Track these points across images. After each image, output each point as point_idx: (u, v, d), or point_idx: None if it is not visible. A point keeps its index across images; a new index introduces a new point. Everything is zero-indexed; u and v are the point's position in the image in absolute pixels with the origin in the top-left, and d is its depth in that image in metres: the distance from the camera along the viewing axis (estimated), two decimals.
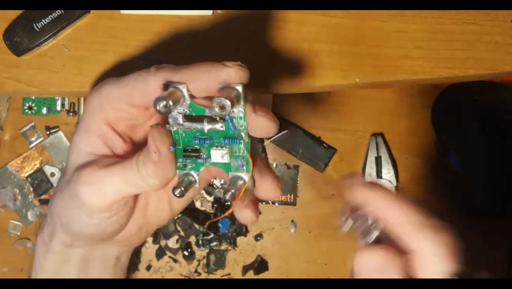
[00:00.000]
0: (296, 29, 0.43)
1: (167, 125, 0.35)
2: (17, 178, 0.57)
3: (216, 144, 0.34)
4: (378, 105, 0.59)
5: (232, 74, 0.33)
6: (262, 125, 0.34)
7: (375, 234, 0.32)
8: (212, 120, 0.34)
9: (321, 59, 0.43)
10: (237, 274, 0.58)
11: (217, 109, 0.31)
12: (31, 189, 0.57)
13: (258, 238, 0.58)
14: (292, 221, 0.58)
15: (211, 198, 0.58)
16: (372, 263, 0.32)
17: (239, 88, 0.33)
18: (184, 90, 0.33)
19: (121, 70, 0.42)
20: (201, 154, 0.35)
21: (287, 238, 0.59)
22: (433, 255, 0.30)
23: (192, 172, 0.36)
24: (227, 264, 0.58)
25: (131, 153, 0.38)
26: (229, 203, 0.36)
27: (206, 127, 0.34)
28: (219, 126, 0.34)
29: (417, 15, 0.43)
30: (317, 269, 0.59)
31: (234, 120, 0.33)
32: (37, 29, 0.41)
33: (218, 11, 0.43)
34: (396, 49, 0.43)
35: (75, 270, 0.40)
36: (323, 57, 0.43)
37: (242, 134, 0.34)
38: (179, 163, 0.35)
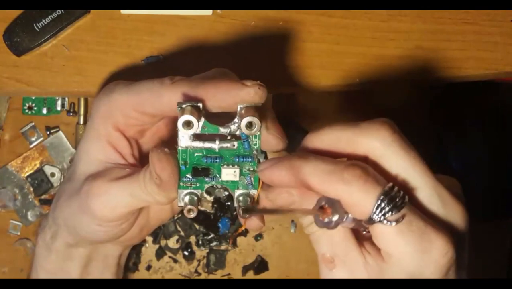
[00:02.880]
0: (296, 29, 0.43)
1: (176, 145, 0.34)
2: (17, 178, 0.57)
3: (226, 163, 0.34)
4: (378, 105, 0.59)
5: (252, 93, 0.32)
6: (271, 142, 0.34)
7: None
8: (224, 138, 0.34)
9: (321, 59, 0.43)
10: (237, 274, 0.58)
11: (244, 128, 0.32)
12: (31, 189, 0.57)
13: (258, 238, 0.58)
14: (292, 221, 0.58)
15: (211, 198, 0.58)
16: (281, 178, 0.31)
17: (259, 107, 0.33)
18: (201, 108, 0.33)
19: (123, 70, 0.42)
20: (211, 173, 0.34)
21: (287, 238, 0.59)
22: (355, 195, 0.29)
23: (195, 191, 0.35)
24: (227, 264, 0.58)
25: (139, 158, 0.39)
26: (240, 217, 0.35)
27: (218, 146, 0.34)
28: (231, 144, 0.34)
29: (417, 15, 0.43)
30: (317, 269, 0.58)
31: (249, 138, 0.33)
32: (37, 29, 0.41)
33: (218, 11, 0.43)
34: (396, 49, 0.43)
35: (77, 269, 0.41)
36: (323, 57, 0.43)
37: (255, 152, 0.34)
38: (182, 183, 0.34)
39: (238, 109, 0.33)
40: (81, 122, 0.57)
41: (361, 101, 0.59)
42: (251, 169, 0.34)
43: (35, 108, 0.57)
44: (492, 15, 0.43)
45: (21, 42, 0.41)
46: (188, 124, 0.32)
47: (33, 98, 0.57)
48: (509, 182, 0.55)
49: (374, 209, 0.29)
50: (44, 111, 0.57)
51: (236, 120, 0.33)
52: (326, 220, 0.30)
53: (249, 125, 0.32)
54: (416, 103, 0.59)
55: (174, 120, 0.37)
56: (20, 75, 0.42)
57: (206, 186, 0.35)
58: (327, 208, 0.30)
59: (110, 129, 0.37)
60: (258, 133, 0.33)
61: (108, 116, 0.37)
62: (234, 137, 0.34)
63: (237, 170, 0.34)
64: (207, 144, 0.34)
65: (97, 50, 0.42)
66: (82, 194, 0.36)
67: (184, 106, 0.32)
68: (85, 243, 0.40)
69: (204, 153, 0.34)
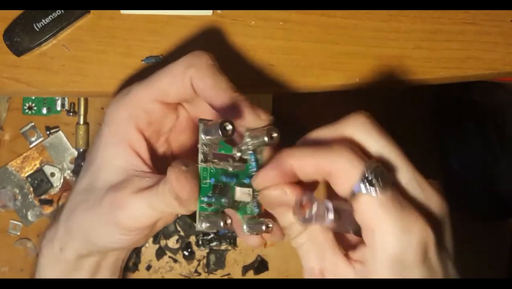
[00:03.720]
0: (296, 29, 0.43)
1: (199, 164, 0.34)
2: (17, 178, 0.57)
3: (240, 183, 0.35)
4: (378, 105, 0.59)
5: (267, 121, 0.34)
6: (262, 116, 0.35)
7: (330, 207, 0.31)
8: (235, 160, 0.35)
9: (321, 59, 0.43)
10: (237, 274, 0.58)
11: (266, 138, 0.33)
12: (31, 189, 0.57)
13: None
14: None
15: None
16: (275, 197, 0.32)
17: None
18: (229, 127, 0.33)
19: (123, 71, 0.42)
20: (226, 193, 0.34)
21: (287, 238, 0.59)
22: (342, 165, 0.30)
23: (214, 215, 0.34)
24: (227, 264, 0.58)
25: (154, 160, 0.38)
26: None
27: (233, 165, 0.34)
28: (240, 165, 0.34)
29: (417, 15, 0.43)
30: None
31: (258, 159, 0.35)
32: (37, 29, 0.41)
33: (218, 11, 0.43)
34: (396, 49, 0.43)
35: (85, 277, 0.40)
36: (323, 57, 0.43)
37: None
38: (203, 204, 0.34)
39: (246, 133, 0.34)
40: (81, 122, 0.57)
41: (361, 101, 0.59)
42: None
43: (35, 108, 0.57)
44: (492, 15, 0.43)
45: (21, 42, 0.41)
46: (225, 129, 0.32)
47: (33, 98, 0.57)
48: (509, 182, 0.55)
49: (361, 180, 0.30)
50: (44, 111, 0.57)
51: (247, 140, 0.34)
52: (307, 215, 0.31)
53: (271, 136, 0.33)
54: (416, 103, 0.59)
55: (193, 130, 0.38)
56: (20, 75, 0.42)
57: (222, 209, 0.35)
58: (306, 202, 0.31)
59: (133, 131, 0.37)
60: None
61: (129, 118, 0.37)
62: (242, 159, 0.35)
63: (251, 190, 0.35)
64: (223, 164, 0.34)
65: (97, 50, 0.42)
66: (104, 206, 0.36)
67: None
68: (98, 252, 0.40)
69: (221, 172, 0.34)
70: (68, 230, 0.39)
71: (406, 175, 0.31)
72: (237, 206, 0.35)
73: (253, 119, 0.34)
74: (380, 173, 0.30)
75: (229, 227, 0.34)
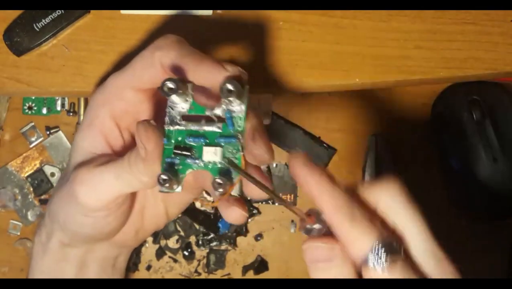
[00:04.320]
0: (296, 29, 0.43)
1: (165, 125, 0.34)
2: (17, 178, 0.57)
3: (209, 143, 0.34)
4: (378, 105, 0.59)
5: (237, 72, 0.33)
6: (258, 155, 0.33)
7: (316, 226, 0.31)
8: (210, 121, 0.34)
9: (321, 59, 0.43)
10: (237, 274, 0.58)
11: (225, 93, 0.31)
12: (31, 189, 0.57)
13: (258, 238, 0.58)
14: (292, 221, 0.58)
15: (211, 198, 0.58)
16: (319, 254, 0.31)
17: (246, 86, 0.33)
18: (190, 88, 0.33)
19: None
20: (193, 153, 0.34)
21: (287, 238, 0.59)
22: (355, 233, 0.30)
23: (180, 175, 0.34)
24: (227, 264, 0.58)
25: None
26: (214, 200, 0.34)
27: (204, 127, 0.34)
28: (216, 127, 0.34)
29: (417, 15, 0.43)
30: None
31: (233, 119, 0.33)
32: (37, 29, 0.41)
33: (218, 11, 0.43)
34: (396, 49, 0.43)
35: (72, 270, 0.40)
36: (323, 57, 0.43)
37: (239, 135, 0.33)
38: (165, 164, 0.34)
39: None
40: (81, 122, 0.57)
41: (361, 101, 0.59)
42: (234, 150, 0.33)
43: (35, 108, 0.57)
44: (492, 15, 0.43)
45: (21, 42, 0.41)
46: (170, 89, 0.32)
47: (33, 98, 0.57)
48: (509, 182, 0.55)
49: (370, 253, 0.29)
50: (44, 111, 0.57)
51: (222, 102, 0.33)
52: (308, 226, 0.31)
53: (229, 91, 0.31)
54: (416, 103, 0.59)
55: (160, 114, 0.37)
56: (20, 75, 0.42)
57: (189, 171, 0.34)
58: (312, 216, 0.31)
59: (106, 117, 0.37)
60: (241, 115, 0.33)
61: (103, 103, 0.37)
62: (220, 119, 0.33)
63: (218, 149, 0.33)
64: (194, 126, 0.34)
65: (97, 50, 0.42)
66: (68, 183, 0.36)
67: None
68: (79, 242, 0.40)
69: (191, 133, 0.34)
70: (49, 215, 0.39)
71: (423, 246, 0.31)
72: (209, 168, 0.34)
73: (208, 74, 0.33)
74: (391, 248, 0.29)
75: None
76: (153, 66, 0.35)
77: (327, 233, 0.31)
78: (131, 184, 0.35)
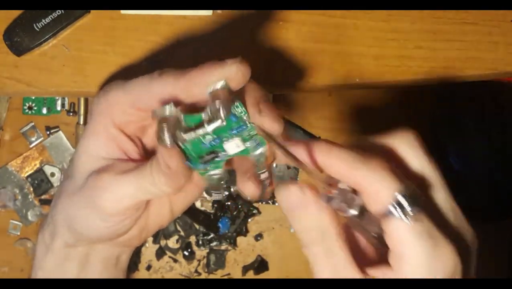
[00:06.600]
0: (296, 29, 0.43)
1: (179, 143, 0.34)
2: (17, 178, 0.57)
3: (225, 138, 0.34)
4: (378, 105, 0.59)
5: (234, 70, 0.33)
6: (266, 125, 0.33)
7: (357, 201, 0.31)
8: (211, 120, 0.34)
9: (321, 59, 0.43)
10: (237, 274, 0.58)
11: (211, 111, 0.32)
12: (31, 189, 0.57)
13: (258, 238, 0.58)
14: None
15: (211, 198, 0.58)
16: (292, 200, 0.32)
17: (222, 83, 0.33)
18: (173, 110, 0.33)
19: (123, 70, 0.42)
20: (218, 153, 0.35)
21: (287, 238, 0.59)
22: (377, 184, 0.29)
23: (216, 171, 0.36)
24: (227, 264, 0.58)
25: (143, 154, 0.39)
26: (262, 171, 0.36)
27: (209, 128, 0.34)
28: (220, 122, 0.34)
29: (417, 15, 0.43)
30: None
31: (232, 110, 0.33)
32: (37, 29, 0.41)
33: (218, 11, 0.43)
34: (396, 49, 0.43)
35: (75, 269, 0.41)
36: (323, 57, 0.43)
37: (245, 118, 0.33)
38: (199, 170, 0.35)
39: (208, 96, 0.33)
40: (81, 122, 0.57)
41: (361, 101, 0.59)
42: (251, 133, 0.34)
43: (35, 108, 0.57)
44: (492, 15, 0.43)
45: (21, 42, 0.41)
46: (164, 121, 0.33)
47: (33, 98, 0.57)
48: (509, 182, 0.55)
49: (394, 203, 0.29)
50: (44, 111, 0.57)
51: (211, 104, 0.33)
52: (330, 195, 0.30)
53: (215, 112, 0.32)
54: (416, 103, 0.59)
55: None
56: (20, 75, 0.42)
57: (223, 162, 0.35)
58: (335, 183, 0.30)
59: (109, 125, 0.37)
60: (237, 103, 0.33)
61: (106, 113, 0.37)
62: (216, 112, 0.34)
63: (238, 140, 0.34)
64: (200, 131, 0.34)
65: (97, 50, 0.42)
66: (86, 190, 0.37)
67: (157, 111, 0.33)
68: (84, 242, 0.40)
69: (204, 139, 0.34)
70: (53, 217, 0.39)
71: (443, 197, 0.31)
72: (240, 153, 0.35)
73: (227, 70, 0.33)
74: (414, 198, 0.29)
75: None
76: (150, 92, 0.35)
77: (347, 200, 0.30)
78: (152, 193, 0.36)
